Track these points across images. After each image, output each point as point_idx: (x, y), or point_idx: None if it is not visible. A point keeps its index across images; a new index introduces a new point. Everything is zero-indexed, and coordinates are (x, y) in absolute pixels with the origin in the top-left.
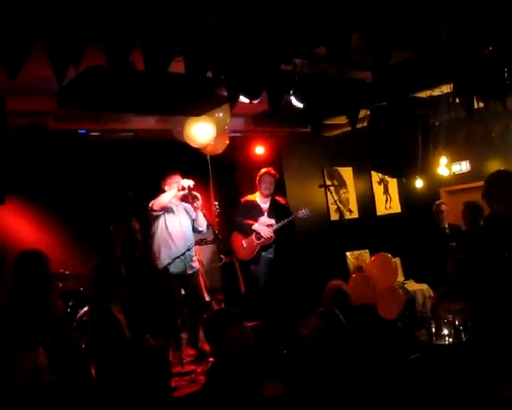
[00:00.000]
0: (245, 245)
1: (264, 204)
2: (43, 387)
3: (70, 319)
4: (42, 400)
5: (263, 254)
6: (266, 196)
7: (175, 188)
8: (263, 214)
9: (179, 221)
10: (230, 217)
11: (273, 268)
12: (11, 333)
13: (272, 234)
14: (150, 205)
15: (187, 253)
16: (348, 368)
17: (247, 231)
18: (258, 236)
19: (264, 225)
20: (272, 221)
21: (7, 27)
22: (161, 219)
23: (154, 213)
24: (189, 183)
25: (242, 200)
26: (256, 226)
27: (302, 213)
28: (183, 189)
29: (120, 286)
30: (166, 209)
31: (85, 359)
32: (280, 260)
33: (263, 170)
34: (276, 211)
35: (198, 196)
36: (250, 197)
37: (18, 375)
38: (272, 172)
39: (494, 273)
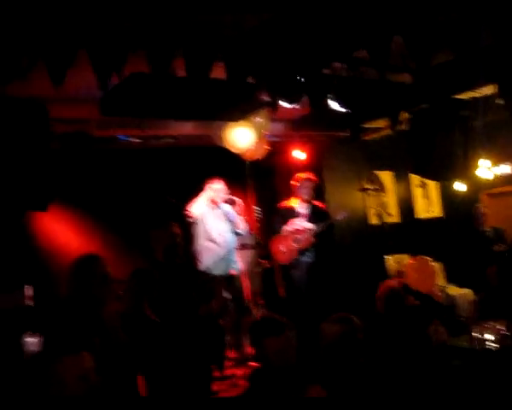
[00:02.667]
0: (284, 250)
1: (303, 209)
2: (91, 389)
3: None
4: (90, 401)
5: (302, 258)
6: (306, 202)
7: (204, 195)
8: (303, 219)
9: (221, 224)
10: (270, 222)
11: (313, 273)
12: (62, 335)
13: (311, 238)
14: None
15: (229, 255)
16: (369, 373)
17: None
18: (297, 239)
19: (303, 229)
20: (311, 226)
21: (52, 36)
22: (201, 223)
23: (191, 220)
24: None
25: (280, 205)
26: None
27: (340, 215)
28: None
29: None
30: (206, 213)
31: (133, 362)
32: (320, 265)
33: (303, 175)
34: (316, 216)
35: (237, 200)
36: (287, 203)
37: (67, 377)
38: (312, 177)
39: None
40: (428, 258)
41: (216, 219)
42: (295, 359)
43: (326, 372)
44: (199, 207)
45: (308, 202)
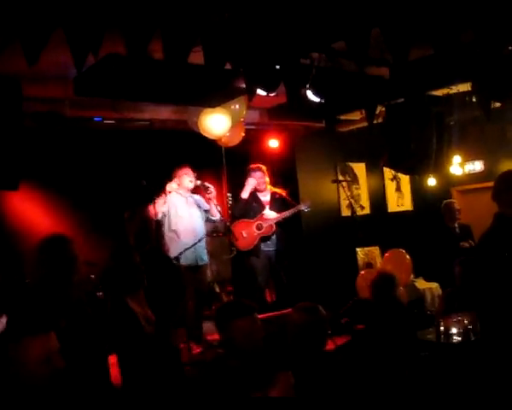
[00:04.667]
0: (245, 235)
1: (264, 197)
2: (54, 372)
3: None
4: (52, 384)
5: (262, 246)
6: (262, 190)
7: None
8: (264, 207)
9: (189, 214)
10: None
11: (274, 262)
12: (25, 316)
13: (273, 225)
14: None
15: (198, 244)
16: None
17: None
18: (259, 226)
19: (268, 218)
20: (274, 214)
21: (28, 14)
22: (169, 213)
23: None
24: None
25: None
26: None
27: (305, 205)
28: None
29: (136, 277)
30: (175, 202)
31: (102, 346)
32: (281, 254)
33: (253, 166)
34: (277, 204)
35: (210, 186)
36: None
37: (29, 358)
38: (261, 166)
39: (503, 274)
40: (403, 251)
41: (187, 207)
42: (262, 343)
43: (293, 360)
44: (160, 211)
45: (264, 189)
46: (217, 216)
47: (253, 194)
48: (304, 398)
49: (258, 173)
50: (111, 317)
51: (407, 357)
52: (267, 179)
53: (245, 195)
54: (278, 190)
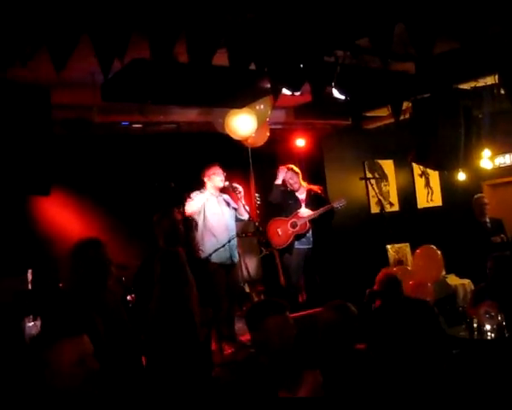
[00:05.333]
0: (280, 233)
1: (300, 196)
2: (88, 374)
3: None
4: (87, 386)
5: (296, 244)
6: (297, 190)
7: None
8: (300, 205)
9: (221, 212)
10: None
11: (308, 261)
12: (59, 319)
13: (308, 223)
14: (184, 212)
15: (230, 243)
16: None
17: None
18: (294, 224)
19: (302, 216)
20: (309, 212)
21: (55, 21)
22: (203, 211)
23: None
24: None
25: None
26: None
27: (338, 203)
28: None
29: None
30: (207, 201)
31: (139, 348)
32: (316, 253)
33: (282, 167)
34: (313, 201)
35: (238, 187)
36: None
37: (63, 361)
38: (291, 167)
39: None
40: (434, 247)
41: (218, 206)
42: (293, 340)
43: (322, 358)
44: (194, 209)
45: (298, 189)
46: (245, 216)
47: (290, 192)
48: (333, 397)
49: (288, 174)
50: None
51: (435, 355)
52: (300, 178)
53: (278, 181)
54: (314, 187)
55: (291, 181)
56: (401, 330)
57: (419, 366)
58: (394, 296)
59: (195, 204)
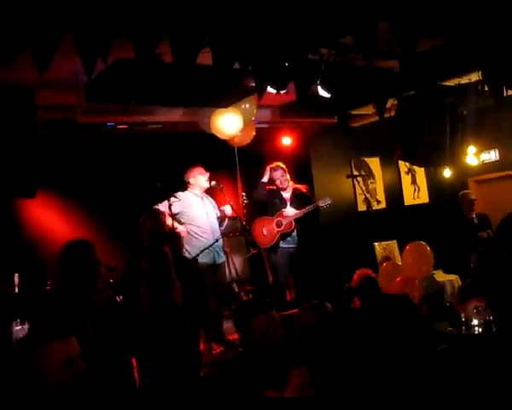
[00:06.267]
0: (265, 232)
1: (286, 194)
2: (76, 375)
3: None
4: (75, 388)
5: (282, 243)
6: (283, 188)
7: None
8: (285, 205)
9: (206, 213)
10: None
11: (294, 259)
12: (45, 321)
13: (293, 222)
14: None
15: (216, 243)
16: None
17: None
18: (279, 223)
19: (287, 215)
20: (294, 211)
21: (37, 21)
22: (186, 213)
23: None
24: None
25: (267, 187)
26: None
27: (323, 202)
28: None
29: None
30: (192, 202)
31: (128, 349)
32: (304, 251)
33: (272, 165)
34: (298, 200)
35: (221, 186)
36: (272, 187)
37: (50, 363)
38: (279, 165)
39: None
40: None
41: (202, 207)
42: (281, 339)
43: (304, 358)
44: (184, 198)
45: (286, 187)
46: (229, 215)
47: (275, 192)
48: (322, 395)
49: (278, 172)
50: (130, 319)
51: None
52: (288, 177)
53: (265, 179)
54: (299, 186)
55: (281, 179)
56: (382, 327)
57: (403, 360)
58: (372, 293)
59: (180, 205)
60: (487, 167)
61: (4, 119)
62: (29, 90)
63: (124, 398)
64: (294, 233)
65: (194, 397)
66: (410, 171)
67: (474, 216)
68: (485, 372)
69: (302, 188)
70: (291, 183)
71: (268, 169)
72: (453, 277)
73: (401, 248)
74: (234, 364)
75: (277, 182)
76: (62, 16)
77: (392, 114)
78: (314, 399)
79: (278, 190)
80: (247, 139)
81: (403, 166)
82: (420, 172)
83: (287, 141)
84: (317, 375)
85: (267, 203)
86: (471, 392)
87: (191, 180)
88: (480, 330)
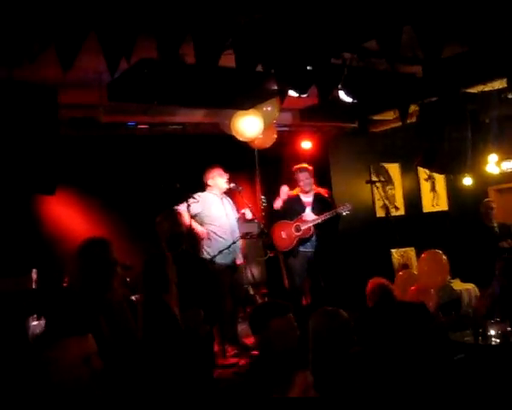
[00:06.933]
0: (284, 236)
1: (307, 198)
2: (92, 373)
3: None
4: (91, 385)
5: (301, 248)
6: (307, 191)
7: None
8: (304, 209)
9: (226, 214)
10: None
11: (312, 264)
12: (63, 318)
13: (312, 228)
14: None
15: (234, 244)
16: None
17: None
18: (298, 228)
19: (306, 220)
20: (313, 216)
21: (62, 20)
22: (205, 213)
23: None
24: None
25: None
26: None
27: (343, 208)
28: None
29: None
30: (211, 202)
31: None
32: (321, 256)
33: (298, 166)
34: (319, 205)
35: (239, 188)
36: (292, 192)
37: (67, 360)
38: (307, 167)
39: None
40: (440, 251)
41: (222, 208)
42: (296, 342)
43: (315, 364)
44: (203, 200)
45: (309, 191)
46: (248, 218)
47: (294, 197)
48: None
49: (304, 174)
50: (148, 318)
51: (435, 359)
52: (312, 181)
53: (277, 205)
54: (322, 190)
55: (306, 181)
56: (397, 335)
57: (417, 369)
58: (389, 303)
59: (200, 205)
60: (508, 176)
61: (28, 116)
62: (52, 88)
63: (137, 397)
64: (313, 238)
65: (205, 398)
66: (429, 178)
67: (496, 225)
68: (502, 383)
69: (324, 192)
70: (313, 186)
71: (282, 190)
72: (470, 285)
73: (418, 256)
74: (249, 367)
75: (301, 183)
76: (87, 15)
77: (414, 120)
78: (320, 400)
79: (297, 196)
80: (269, 142)
81: (422, 172)
82: (439, 179)
83: (306, 145)
84: (325, 380)
85: (286, 209)
86: (488, 402)
87: (210, 181)
88: (498, 340)
